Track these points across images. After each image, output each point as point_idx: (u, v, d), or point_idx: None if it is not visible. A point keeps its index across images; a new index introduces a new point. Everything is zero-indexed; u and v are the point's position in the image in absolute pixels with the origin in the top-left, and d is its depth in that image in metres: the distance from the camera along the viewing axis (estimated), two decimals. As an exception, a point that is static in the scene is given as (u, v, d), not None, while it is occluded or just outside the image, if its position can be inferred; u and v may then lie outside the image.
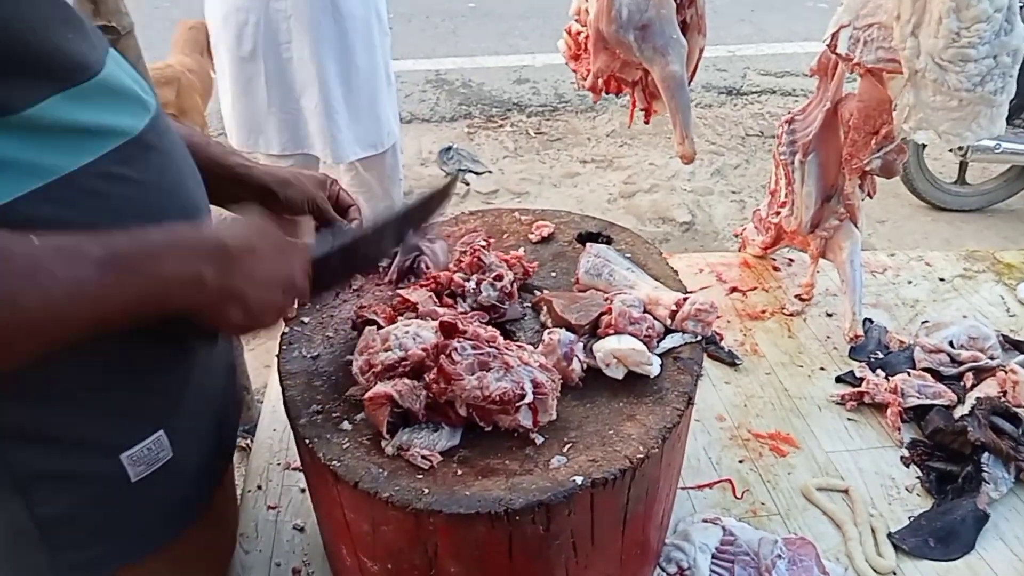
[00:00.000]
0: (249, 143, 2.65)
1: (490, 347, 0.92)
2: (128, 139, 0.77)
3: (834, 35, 1.43)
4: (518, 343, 0.97)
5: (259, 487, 1.29)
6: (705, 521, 1.22)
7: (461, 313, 1.04)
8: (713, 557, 1.17)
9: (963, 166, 3.88)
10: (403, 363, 0.91)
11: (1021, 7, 3.30)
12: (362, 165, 2.87)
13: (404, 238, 1.09)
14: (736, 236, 1.99)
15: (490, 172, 4.33)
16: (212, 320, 0.78)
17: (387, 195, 3.02)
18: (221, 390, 1.01)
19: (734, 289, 1.79)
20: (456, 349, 0.89)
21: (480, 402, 0.88)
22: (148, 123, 0.81)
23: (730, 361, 1.57)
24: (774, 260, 1.90)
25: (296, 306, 0.99)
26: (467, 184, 4.20)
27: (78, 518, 0.82)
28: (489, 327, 0.98)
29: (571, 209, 3.89)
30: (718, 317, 1.68)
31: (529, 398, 0.88)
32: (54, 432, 0.78)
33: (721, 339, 1.63)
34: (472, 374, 0.88)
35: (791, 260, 1.90)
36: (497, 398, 0.87)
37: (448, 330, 0.93)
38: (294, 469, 1.31)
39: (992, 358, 1.51)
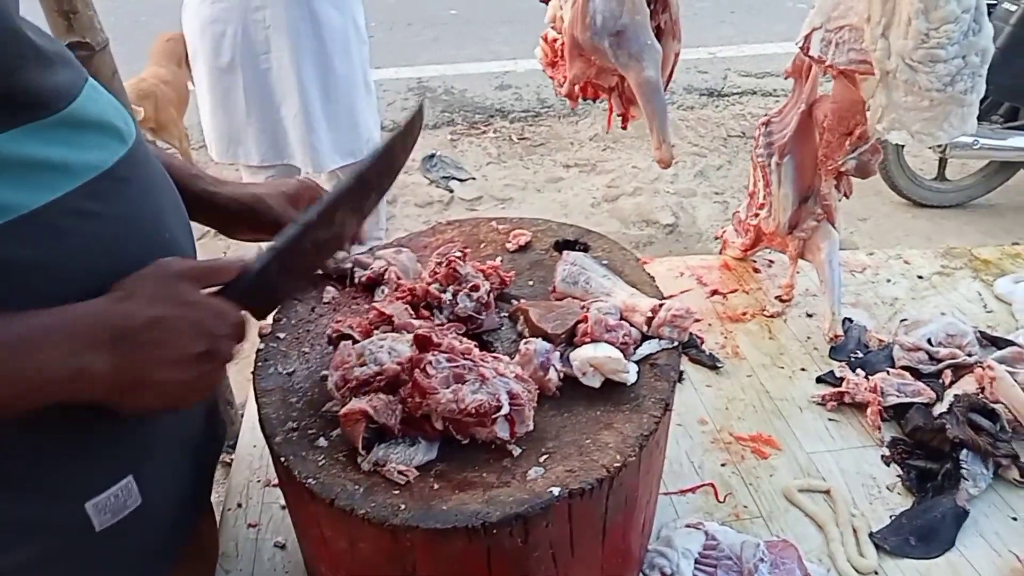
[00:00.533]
0: (229, 154, 2.65)
1: (465, 359, 0.91)
2: (99, 173, 0.74)
3: (806, 38, 1.44)
4: (494, 354, 0.96)
5: (239, 505, 1.28)
6: (688, 526, 1.22)
7: (437, 325, 1.03)
8: (696, 562, 1.17)
9: (942, 163, 3.91)
10: (378, 378, 0.91)
11: (992, 6, 3.31)
12: (343, 174, 2.87)
13: (363, 210, 1.01)
14: (717, 238, 2.00)
15: (474, 179, 4.33)
16: (119, 407, 0.72)
17: (370, 204, 3.02)
18: (199, 429, 0.97)
19: (715, 292, 1.79)
20: (431, 363, 0.89)
21: (456, 415, 0.88)
22: (123, 155, 0.77)
23: (711, 364, 1.58)
24: (754, 262, 1.91)
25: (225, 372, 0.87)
26: (451, 191, 4.20)
27: (39, 568, 0.78)
28: (465, 339, 0.97)
29: (556, 214, 3.93)
30: (698, 321, 1.70)
31: (505, 409, 0.88)
32: (12, 478, 0.74)
33: (702, 342, 1.63)
34: (447, 387, 0.88)
35: (771, 261, 1.91)
36: (473, 411, 0.87)
37: (423, 343, 0.93)
38: (274, 486, 1.30)
39: (970, 355, 1.52)
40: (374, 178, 0.98)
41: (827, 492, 1.31)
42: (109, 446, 0.79)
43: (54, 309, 0.67)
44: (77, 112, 0.73)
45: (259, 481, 1.33)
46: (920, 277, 1.87)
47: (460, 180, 4.31)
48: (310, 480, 0.86)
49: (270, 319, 1.12)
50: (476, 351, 0.94)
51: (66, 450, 0.76)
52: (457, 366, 0.90)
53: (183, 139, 3.72)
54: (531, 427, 0.91)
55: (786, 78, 1.66)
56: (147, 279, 0.74)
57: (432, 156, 4.46)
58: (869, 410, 1.44)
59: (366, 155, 2.99)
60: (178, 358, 0.72)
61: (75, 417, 0.73)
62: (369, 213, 1.03)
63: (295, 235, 0.87)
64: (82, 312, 0.69)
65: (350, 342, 0.98)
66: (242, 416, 1.55)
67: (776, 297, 1.77)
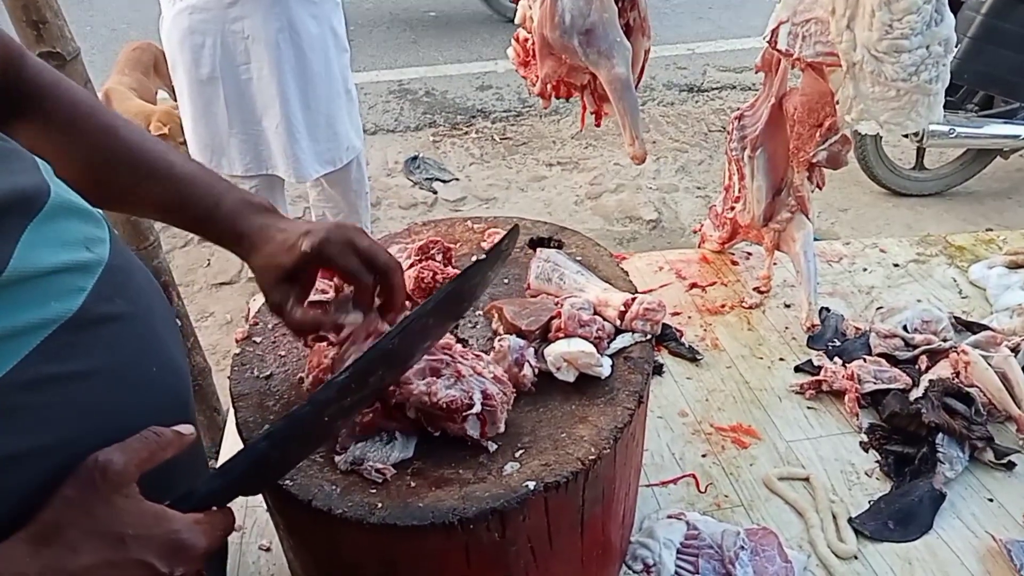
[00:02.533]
0: (212, 165, 2.65)
1: (444, 354, 0.92)
2: (58, 327, 0.60)
3: (773, 32, 1.46)
4: (476, 352, 0.97)
5: (223, 509, 1.28)
6: (670, 517, 1.24)
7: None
8: (678, 552, 1.18)
9: (920, 152, 3.95)
10: None
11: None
12: (327, 181, 2.88)
13: (410, 362, 0.87)
14: (695, 232, 2.02)
15: (457, 180, 4.33)
16: None
17: (353, 208, 3.04)
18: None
19: (694, 285, 1.81)
20: None
21: (428, 408, 0.88)
22: (91, 290, 0.64)
23: (691, 356, 1.59)
24: (732, 254, 1.92)
25: None
26: (435, 193, 4.21)
27: None
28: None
29: (539, 212, 3.95)
30: (677, 314, 1.71)
31: (477, 408, 0.88)
32: None
33: (682, 335, 1.64)
34: (422, 379, 0.89)
35: (749, 254, 1.93)
36: (444, 405, 0.87)
37: None
38: (258, 489, 1.30)
39: (945, 340, 1.54)
40: (432, 325, 0.85)
41: (806, 479, 1.33)
42: None
43: None
44: (16, 273, 0.58)
45: (242, 486, 1.33)
46: (896, 265, 1.89)
47: (443, 181, 4.32)
48: (287, 481, 0.86)
49: (247, 324, 1.13)
50: (458, 347, 0.95)
51: None
52: (435, 359, 0.90)
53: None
54: (502, 430, 0.91)
55: (756, 72, 1.67)
56: (75, 507, 0.58)
57: (415, 158, 4.47)
58: (847, 397, 1.45)
59: (346, 162, 2.95)
60: None
61: None
62: (419, 360, 0.88)
63: (305, 415, 0.72)
64: None
65: (325, 344, 0.98)
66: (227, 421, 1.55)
67: (754, 289, 1.79)
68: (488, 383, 0.91)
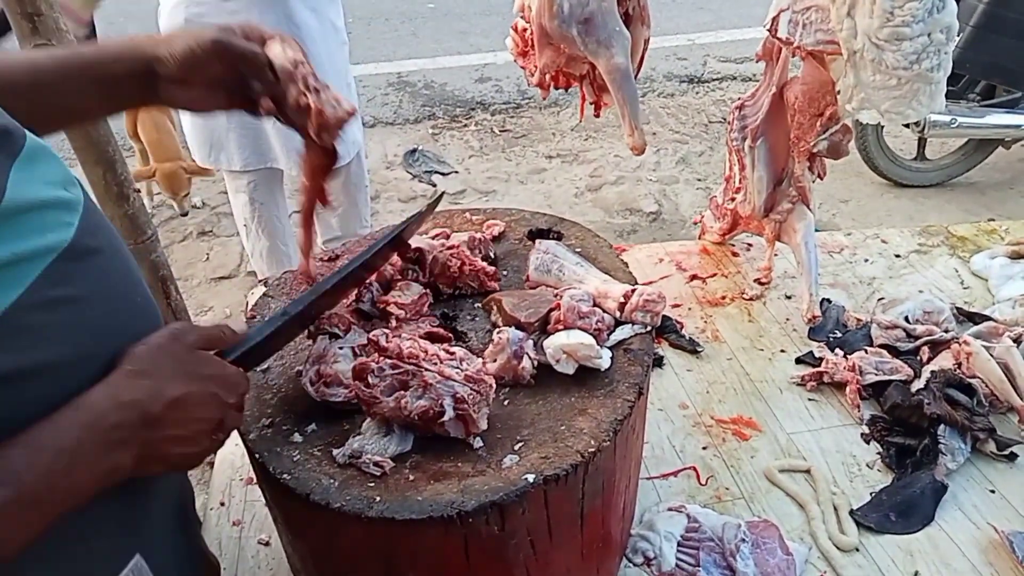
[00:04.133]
0: (211, 160, 2.63)
1: (410, 364, 0.90)
2: (57, 255, 0.67)
3: (774, 20, 1.45)
4: (450, 351, 0.94)
5: (222, 504, 1.28)
6: (670, 510, 1.23)
7: (412, 316, 1.04)
8: (679, 545, 1.18)
9: (922, 142, 3.93)
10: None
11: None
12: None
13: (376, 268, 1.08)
14: (695, 223, 2.00)
15: (456, 172, 4.32)
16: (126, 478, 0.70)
17: (352, 202, 3.02)
18: (188, 487, 0.95)
19: (694, 277, 1.80)
20: (373, 371, 0.89)
21: (402, 421, 0.88)
22: (78, 226, 0.71)
23: (691, 348, 1.58)
24: (733, 246, 1.91)
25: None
26: (434, 186, 4.19)
27: None
28: (420, 338, 0.96)
29: (539, 205, 3.93)
30: (677, 306, 1.70)
31: (449, 414, 0.87)
32: None
33: (682, 327, 1.64)
34: (391, 395, 0.88)
35: (750, 245, 1.92)
36: (416, 417, 0.87)
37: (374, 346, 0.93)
38: (257, 484, 1.30)
39: (946, 331, 1.54)
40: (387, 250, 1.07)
41: (808, 471, 1.32)
42: (112, 532, 0.76)
43: (73, 407, 0.65)
44: (11, 204, 0.65)
45: (241, 479, 1.33)
46: (897, 256, 1.88)
47: (443, 174, 4.30)
48: (285, 475, 0.86)
49: (243, 319, 1.12)
50: (425, 353, 0.92)
51: (69, 546, 0.71)
52: (400, 372, 0.89)
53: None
54: (484, 427, 0.90)
55: (757, 61, 1.66)
56: (163, 353, 0.73)
57: (414, 151, 4.45)
58: (848, 389, 1.45)
59: (349, 159, 2.90)
60: (195, 434, 0.73)
61: (76, 511, 0.67)
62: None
63: (309, 303, 0.91)
64: (103, 405, 0.67)
65: (327, 337, 0.98)
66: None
67: (755, 280, 1.78)
68: (458, 386, 0.89)
